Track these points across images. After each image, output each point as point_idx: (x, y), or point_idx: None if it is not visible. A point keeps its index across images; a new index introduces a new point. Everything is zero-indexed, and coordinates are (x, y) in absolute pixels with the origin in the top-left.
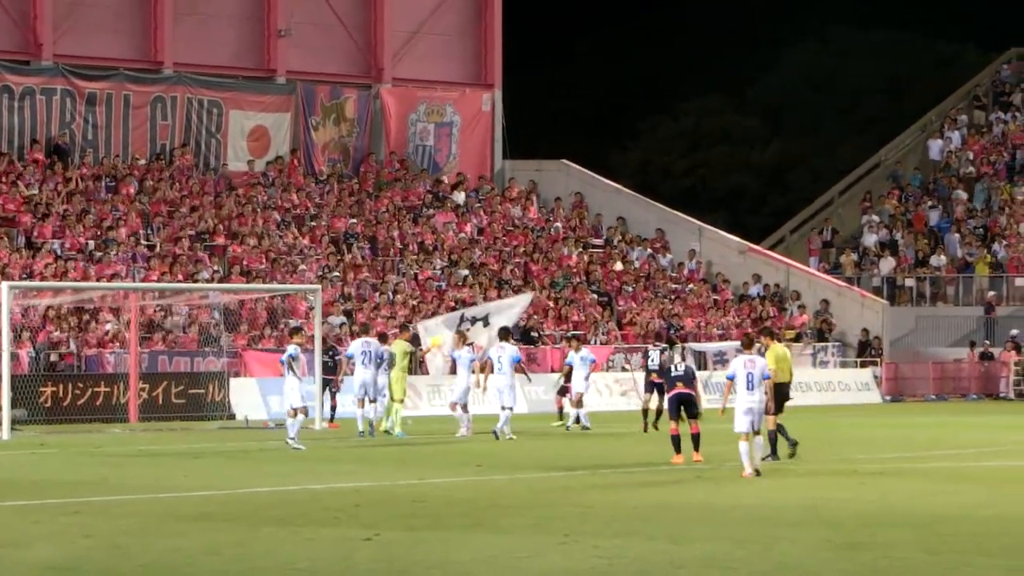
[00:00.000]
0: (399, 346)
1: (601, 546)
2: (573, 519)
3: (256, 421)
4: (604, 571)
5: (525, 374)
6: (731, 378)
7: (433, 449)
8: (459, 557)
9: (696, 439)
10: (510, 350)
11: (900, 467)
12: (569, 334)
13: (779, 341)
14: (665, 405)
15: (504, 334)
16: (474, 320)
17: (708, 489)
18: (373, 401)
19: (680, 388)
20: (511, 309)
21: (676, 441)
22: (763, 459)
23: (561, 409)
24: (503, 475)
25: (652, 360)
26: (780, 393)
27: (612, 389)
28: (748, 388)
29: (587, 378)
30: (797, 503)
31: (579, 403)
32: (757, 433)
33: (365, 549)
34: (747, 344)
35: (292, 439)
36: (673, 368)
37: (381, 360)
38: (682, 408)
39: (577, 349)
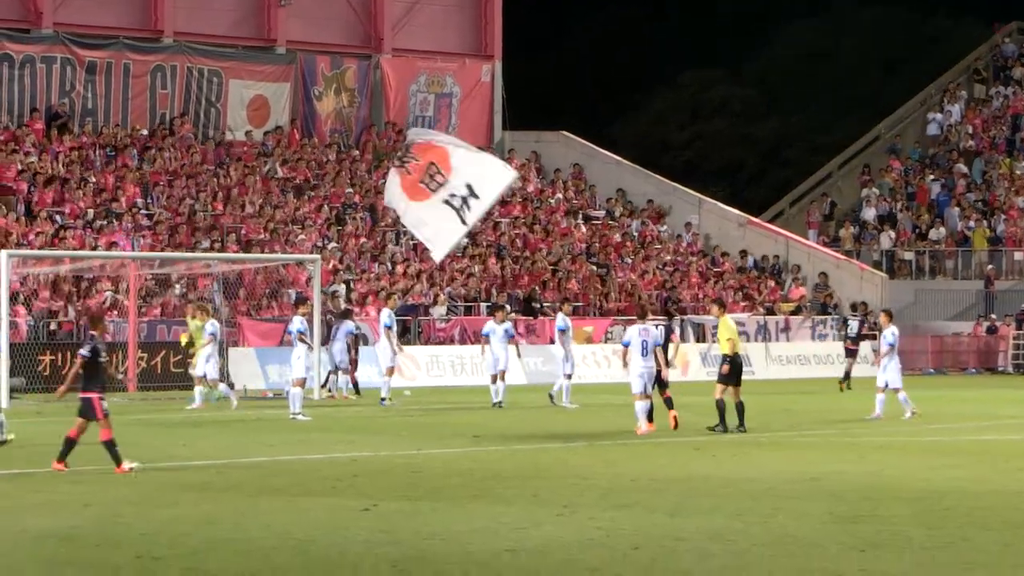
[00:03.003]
0: (384, 314)
1: (599, 518)
2: (571, 491)
3: (254, 390)
4: (602, 543)
5: (517, 347)
6: (626, 345)
7: (431, 420)
8: (457, 528)
9: (668, 403)
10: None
11: (899, 441)
12: (493, 305)
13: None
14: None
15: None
16: (464, 201)
17: (708, 462)
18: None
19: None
20: (494, 185)
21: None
22: (738, 428)
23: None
24: (501, 446)
25: (851, 328)
26: (737, 365)
27: (612, 361)
28: (643, 354)
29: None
30: (797, 476)
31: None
32: (648, 397)
33: (363, 519)
34: (641, 315)
35: (298, 413)
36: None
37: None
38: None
39: (501, 321)
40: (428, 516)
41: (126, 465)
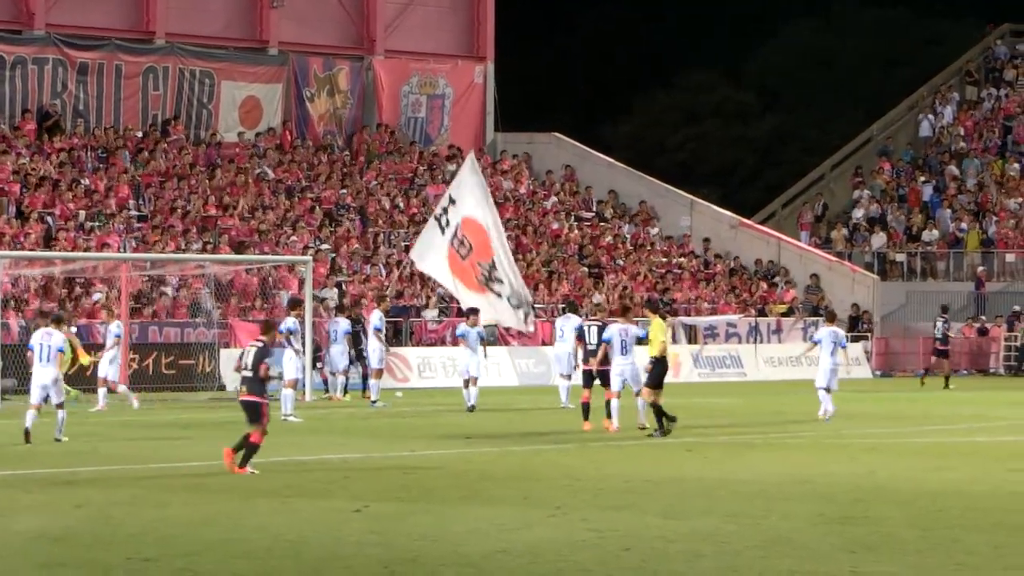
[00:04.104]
0: (375, 315)
1: (591, 519)
2: (563, 492)
3: None
4: (594, 544)
5: (485, 350)
6: (607, 341)
7: (422, 421)
8: (449, 529)
9: (608, 405)
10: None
11: (891, 442)
12: (467, 308)
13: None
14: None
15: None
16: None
17: (700, 463)
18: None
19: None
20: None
21: (585, 409)
22: (649, 435)
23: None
24: (493, 448)
25: (938, 330)
26: (662, 368)
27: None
28: (623, 353)
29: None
30: (789, 478)
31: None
32: (638, 394)
33: (355, 520)
34: (623, 312)
35: (290, 414)
36: (588, 344)
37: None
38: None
39: (475, 324)
40: (420, 517)
41: (249, 469)
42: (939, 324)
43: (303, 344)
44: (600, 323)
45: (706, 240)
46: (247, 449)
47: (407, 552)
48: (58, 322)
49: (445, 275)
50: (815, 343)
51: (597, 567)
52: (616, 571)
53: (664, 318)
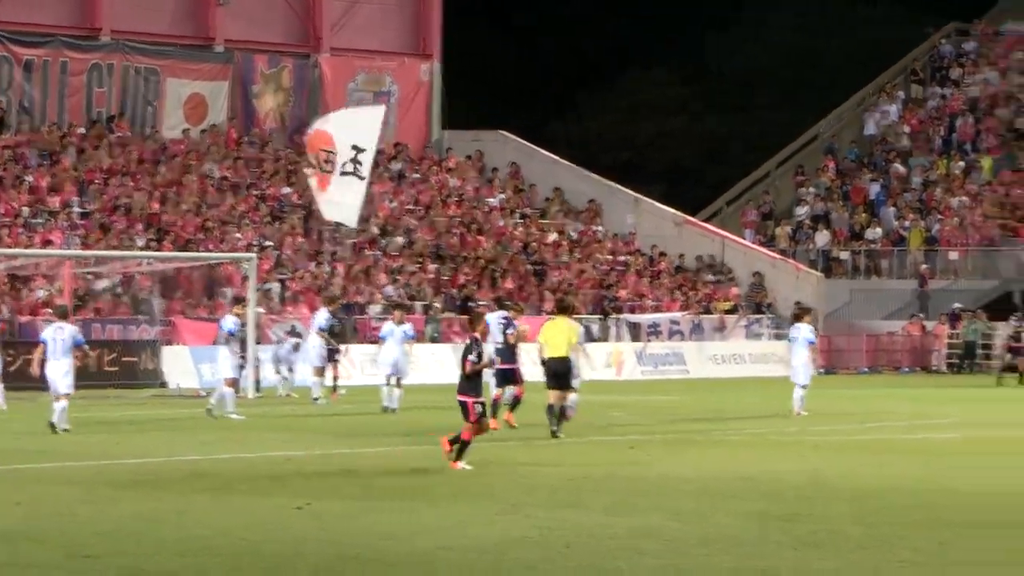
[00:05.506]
0: (321, 314)
1: (535, 516)
2: (508, 489)
3: (188, 389)
4: (536, 542)
5: (410, 349)
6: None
7: (366, 419)
8: (392, 526)
9: (515, 402)
10: (407, 327)
11: (835, 439)
12: (394, 304)
13: (569, 315)
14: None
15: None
16: (355, 161)
17: (643, 461)
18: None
19: (500, 363)
20: (372, 128)
21: (495, 406)
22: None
23: None
24: (436, 445)
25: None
26: (553, 367)
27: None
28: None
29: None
30: (732, 475)
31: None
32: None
33: (298, 518)
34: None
35: (232, 412)
36: (493, 344)
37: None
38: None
39: (400, 321)
40: (362, 515)
41: (461, 464)
42: (1012, 322)
43: (252, 342)
44: (506, 320)
45: (653, 246)
46: (460, 444)
47: (350, 549)
48: (63, 315)
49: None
50: (792, 341)
51: (540, 564)
52: (560, 568)
53: (606, 315)
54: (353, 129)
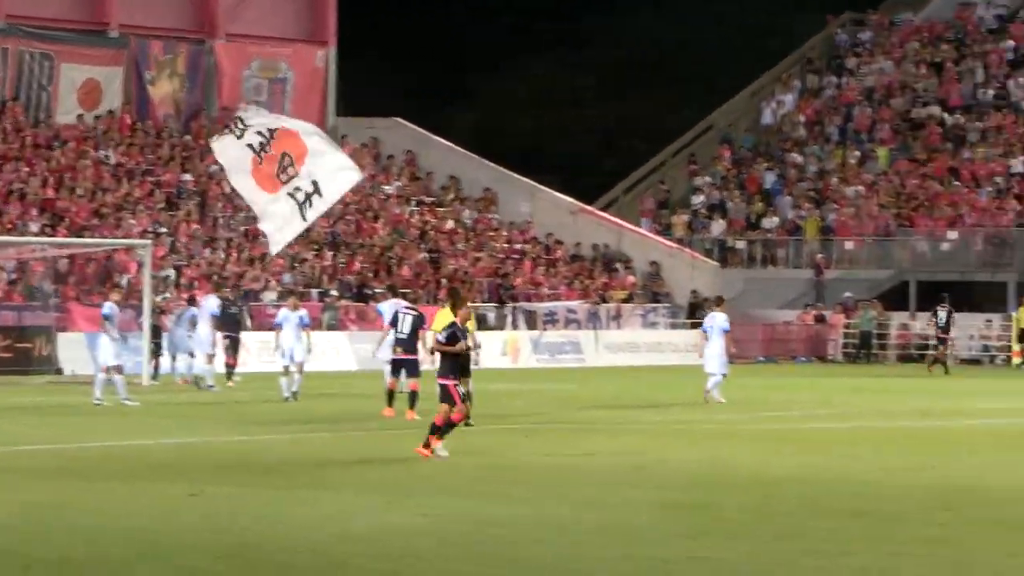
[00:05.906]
0: (211, 301)
1: (427, 504)
2: (400, 478)
3: (83, 376)
4: (429, 530)
5: (308, 337)
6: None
7: (260, 407)
8: (286, 514)
9: (413, 397)
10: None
11: (730, 429)
12: (289, 291)
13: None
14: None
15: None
16: (308, 198)
17: (539, 449)
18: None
19: (400, 353)
20: (339, 185)
21: (390, 395)
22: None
23: None
24: (329, 433)
25: (940, 319)
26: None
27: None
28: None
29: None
30: (627, 464)
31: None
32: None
33: (190, 505)
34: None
35: (125, 398)
36: (398, 332)
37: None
38: (402, 369)
39: (295, 308)
40: (254, 503)
41: (440, 453)
42: (940, 313)
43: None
44: (413, 310)
45: (549, 235)
46: (444, 427)
47: (243, 536)
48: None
49: (249, 185)
50: (706, 332)
51: (432, 553)
52: (453, 558)
53: (503, 303)
54: (325, 169)
